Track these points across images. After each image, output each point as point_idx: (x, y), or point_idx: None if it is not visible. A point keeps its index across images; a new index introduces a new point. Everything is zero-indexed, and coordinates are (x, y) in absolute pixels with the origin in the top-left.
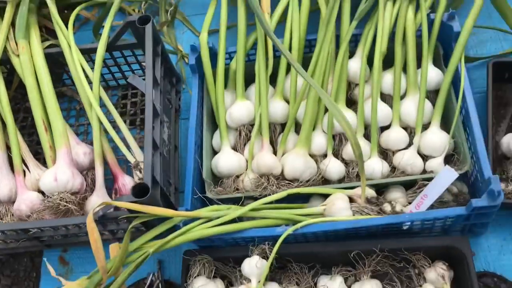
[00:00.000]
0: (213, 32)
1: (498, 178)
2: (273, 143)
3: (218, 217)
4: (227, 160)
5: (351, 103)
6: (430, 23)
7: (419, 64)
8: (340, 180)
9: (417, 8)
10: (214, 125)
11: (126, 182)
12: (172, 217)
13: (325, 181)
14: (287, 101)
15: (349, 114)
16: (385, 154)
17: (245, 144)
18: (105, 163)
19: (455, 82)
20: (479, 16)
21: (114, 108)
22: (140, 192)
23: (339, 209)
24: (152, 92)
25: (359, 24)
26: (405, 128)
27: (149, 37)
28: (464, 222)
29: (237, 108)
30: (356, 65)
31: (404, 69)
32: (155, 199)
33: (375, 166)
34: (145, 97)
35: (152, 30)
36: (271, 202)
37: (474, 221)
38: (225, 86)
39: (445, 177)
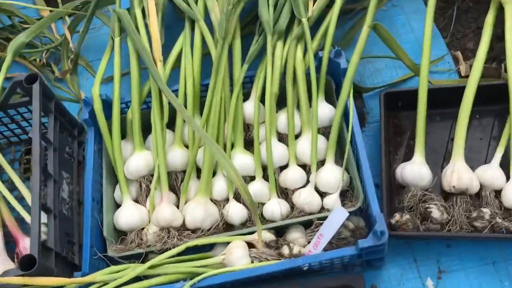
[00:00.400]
0: (112, 79)
1: (382, 217)
2: (176, 192)
3: (115, 279)
4: (126, 214)
5: (252, 144)
6: (321, 61)
7: None
8: (243, 224)
9: (306, 48)
10: (115, 178)
11: (26, 246)
12: (65, 285)
13: (228, 226)
14: (188, 147)
15: (246, 157)
16: (286, 193)
17: (147, 196)
18: (6, 226)
19: (348, 116)
20: (376, 45)
21: (18, 163)
22: (28, 263)
23: (237, 258)
24: (39, 156)
25: (253, 65)
26: (303, 166)
27: (36, 98)
28: (359, 259)
29: (134, 161)
30: (251, 107)
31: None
32: (47, 267)
33: (273, 208)
34: (31, 162)
35: (41, 88)
36: (173, 255)
37: (368, 258)
38: (125, 136)
39: (337, 217)
